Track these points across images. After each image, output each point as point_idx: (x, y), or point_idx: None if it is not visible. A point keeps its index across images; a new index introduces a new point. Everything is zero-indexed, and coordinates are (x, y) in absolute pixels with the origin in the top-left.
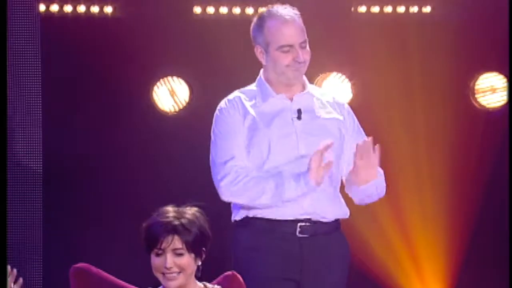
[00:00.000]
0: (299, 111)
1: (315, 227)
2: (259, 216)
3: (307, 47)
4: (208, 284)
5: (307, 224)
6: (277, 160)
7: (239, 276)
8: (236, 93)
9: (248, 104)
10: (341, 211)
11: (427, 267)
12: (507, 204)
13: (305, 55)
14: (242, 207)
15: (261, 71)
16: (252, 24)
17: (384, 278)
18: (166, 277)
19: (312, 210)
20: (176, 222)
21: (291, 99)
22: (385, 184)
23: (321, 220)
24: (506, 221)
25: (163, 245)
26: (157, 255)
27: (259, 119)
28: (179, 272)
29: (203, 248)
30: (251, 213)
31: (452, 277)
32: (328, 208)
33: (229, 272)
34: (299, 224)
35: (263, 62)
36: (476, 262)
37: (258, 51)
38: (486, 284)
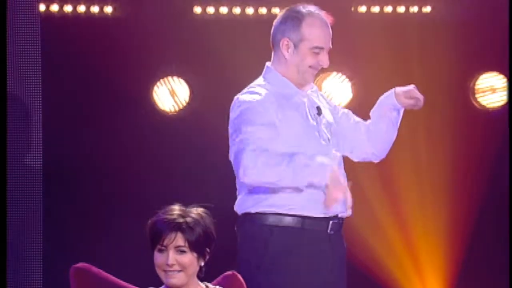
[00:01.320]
0: (318, 108)
1: (339, 224)
2: (290, 211)
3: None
4: (210, 285)
5: (335, 221)
6: (308, 151)
7: (239, 276)
8: (259, 88)
9: (275, 99)
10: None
11: (427, 267)
12: (507, 204)
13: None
14: (267, 197)
15: (272, 65)
16: (284, 16)
17: (384, 278)
18: (168, 275)
19: (341, 206)
20: (180, 220)
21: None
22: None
23: (343, 216)
24: (506, 221)
25: (166, 242)
26: (160, 251)
27: (287, 115)
28: (180, 271)
29: (207, 249)
30: (282, 207)
31: (452, 276)
32: (346, 205)
33: (229, 272)
34: (331, 221)
35: (286, 56)
36: (476, 262)
37: (284, 44)
38: (486, 283)
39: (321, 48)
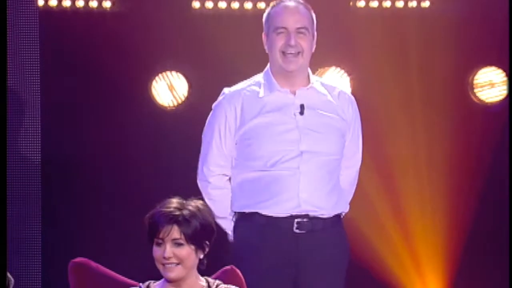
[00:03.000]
0: (301, 106)
1: (312, 223)
2: (257, 211)
3: (308, 36)
4: (210, 279)
5: (305, 220)
6: (277, 155)
7: (238, 271)
8: (240, 85)
9: (251, 97)
10: (340, 207)
11: (426, 264)
12: (507, 200)
13: (301, 42)
14: (240, 198)
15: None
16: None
17: (384, 275)
18: (166, 268)
19: (309, 206)
20: (177, 213)
21: (294, 93)
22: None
23: (319, 216)
24: (506, 217)
25: (162, 235)
26: (158, 244)
27: (262, 112)
28: (178, 264)
29: (206, 242)
30: (249, 207)
31: (451, 273)
32: (326, 204)
33: (228, 267)
34: (296, 220)
35: (266, 50)
36: (476, 258)
37: (264, 39)
38: (485, 279)
39: (284, 28)
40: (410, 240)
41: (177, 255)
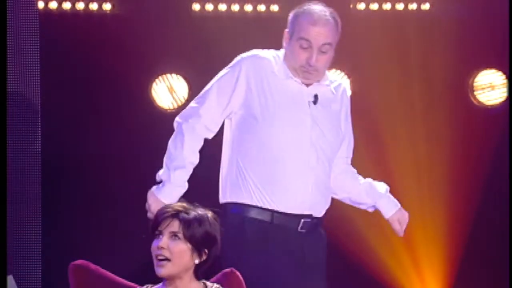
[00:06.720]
0: (315, 96)
1: (312, 223)
2: (260, 205)
3: (330, 53)
4: (207, 283)
5: (308, 220)
6: (286, 145)
7: (238, 273)
8: (271, 54)
9: (268, 74)
10: (328, 205)
11: (426, 265)
12: (507, 202)
13: (321, 61)
14: (239, 187)
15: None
16: (293, 11)
17: (383, 276)
18: (157, 263)
19: (315, 206)
20: (181, 209)
21: (307, 85)
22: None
23: (318, 216)
24: (506, 219)
25: (161, 227)
26: (156, 237)
27: (274, 98)
28: (169, 260)
29: (204, 249)
30: (252, 200)
31: (451, 275)
32: (325, 205)
33: (228, 270)
34: (302, 220)
35: (283, 45)
36: (476, 260)
37: (285, 35)
38: (485, 281)
39: (308, 41)
40: (410, 241)
41: (170, 248)
